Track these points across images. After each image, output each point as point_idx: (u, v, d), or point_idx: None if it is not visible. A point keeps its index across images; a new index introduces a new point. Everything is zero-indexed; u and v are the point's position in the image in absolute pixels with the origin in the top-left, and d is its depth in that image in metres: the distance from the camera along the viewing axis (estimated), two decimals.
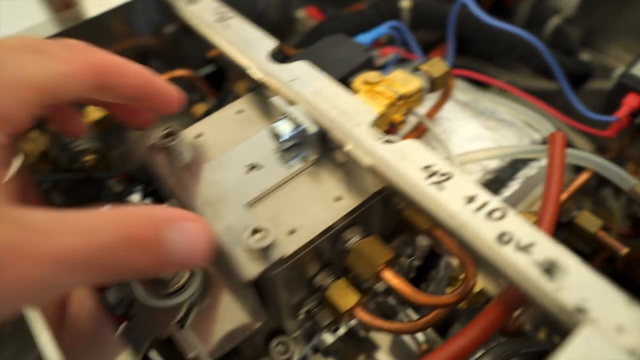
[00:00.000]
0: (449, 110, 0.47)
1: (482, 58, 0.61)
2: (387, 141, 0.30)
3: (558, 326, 0.23)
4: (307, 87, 0.33)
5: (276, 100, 0.32)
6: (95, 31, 0.45)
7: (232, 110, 0.37)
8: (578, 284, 0.23)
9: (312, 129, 0.31)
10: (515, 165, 0.43)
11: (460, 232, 0.26)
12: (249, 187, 0.32)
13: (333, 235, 0.31)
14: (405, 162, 0.28)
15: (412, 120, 0.45)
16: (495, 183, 0.42)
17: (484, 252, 0.25)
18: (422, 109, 0.45)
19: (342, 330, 0.44)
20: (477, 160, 0.41)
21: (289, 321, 0.36)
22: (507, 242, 0.25)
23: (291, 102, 0.33)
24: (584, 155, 0.38)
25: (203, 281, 0.33)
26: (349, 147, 0.30)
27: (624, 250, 0.40)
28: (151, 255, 0.23)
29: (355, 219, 0.31)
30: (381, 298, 0.44)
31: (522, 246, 0.24)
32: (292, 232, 0.29)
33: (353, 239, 0.31)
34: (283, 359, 0.38)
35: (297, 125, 0.32)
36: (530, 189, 0.44)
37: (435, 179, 0.27)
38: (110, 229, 0.22)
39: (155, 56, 0.51)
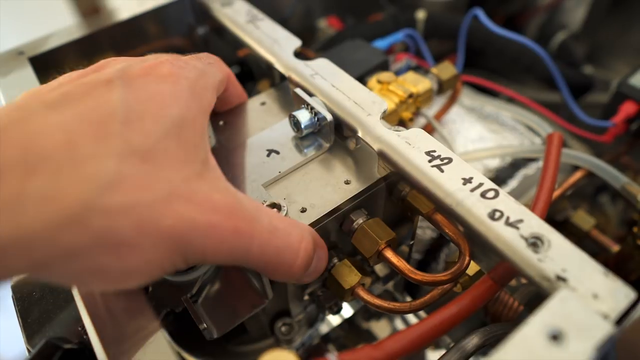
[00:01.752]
0: (455, 113, 0.50)
1: (489, 71, 0.64)
2: (395, 130, 0.33)
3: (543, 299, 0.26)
4: (325, 81, 0.37)
5: (298, 91, 0.36)
6: (128, 32, 0.49)
7: (255, 102, 0.41)
8: (560, 256, 0.26)
9: (328, 117, 0.34)
10: (515, 165, 0.45)
11: (456, 210, 0.29)
12: (267, 169, 0.35)
13: (340, 216, 0.34)
14: (410, 147, 0.31)
15: (420, 121, 0.48)
16: (495, 181, 0.44)
17: (477, 227, 0.28)
18: (431, 111, 0.49)
19: (341, 318, 0.46)
20: (478, 158, 0.44)
21: (294, 302, 0.39)
22: (498, 218, 0.27)
23: (311, 94, 0.37)
24: (579, 154, 0.41)
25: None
26: (360, 133, 0.33)
27: (616, 248, 0.42)
28: (305, 267, 0.29)
29: (361, 202, 0.34)
30: (382, 287, 0.47)
31: (511, 222, 0.27)
32: (303, 210, 0.32)
33: (358, 220, 0.34)
34: (286, 339, 0.40)
35: (315, 114, 0.35)
36: (528, 187, 0.46)
37: (436, 162, 0.30)
38: (296, 236, 0.28)
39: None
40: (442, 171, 0.30)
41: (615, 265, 0.43)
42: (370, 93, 0.36)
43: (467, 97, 0.52)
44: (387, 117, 0.41)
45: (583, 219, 0.44)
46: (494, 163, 0.45)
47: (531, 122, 0.46)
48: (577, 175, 0.42)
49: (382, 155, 0.32)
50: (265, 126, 0.38)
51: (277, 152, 0.36)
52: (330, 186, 0.34)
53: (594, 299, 0.24)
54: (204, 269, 0.35)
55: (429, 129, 0.47)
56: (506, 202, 0.28)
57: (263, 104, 0.40)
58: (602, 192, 0.54)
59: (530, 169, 0.45)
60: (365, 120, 0.34)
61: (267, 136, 0.37)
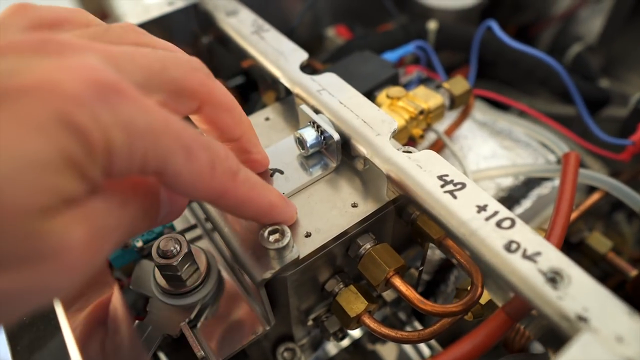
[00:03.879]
0: (467, 128, 0.48)
1: (502, 82, 0.62)
2: (406, 151, 0.32)
3: (560, 338, 0.24)
4: (333, 97, 0.35)
5: (304, 108, 0.34)
6: None
7: (259, 118, 0.39)
8: (581, 293, 0.24)
9: (335, 136, 0.33)
10: (529, 184, 0.44)
11: (469, 240, 0.27)
12: None
13: (347, 241, 0.32)
14: (421, 171, 0.30)
15: (431, 137, 0.46)
16: (508, 201, 0.43)
17: (491, 259, 0.26)
18: (442, 126, 0.47)
19: (347, 342, 0.45)
20: (491, 177, 0.42)
21: (297, 327, 0.37)
22: (514, 250, 0.26)
23: (317, 111, 0.35)
24: (597, 175, 0.39)
25: (217, 283, 0.34)
26: (368, 154, 0.32)
27: (634, 273, 0.40)
28: (150, 220, 0.23)
29: (368, 226, 0.32)
30: (390, 311, 0.45)
31: (528, 255, 0.25)
32: (307, 235, 0.31)
33: (366, 245, 0.32)
34: None
35: (322, 133, 0.34)
36: (542, 207, 0.44)
37: (449, 187, 0.29)
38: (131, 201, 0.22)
39: None
40: (455, 197, 0.28)
41: (633, 289, 0.41)
42: (380, 111, 0.34)
43: (479, 111, 0.51)
44: (398, 133, 0.40)
45: (599, 241, 0.42)
46: (507, 182, 0.43)
47: (546, 139, 0.44)
48: (595, 197, 0.40)
49: (391, 179, 0.30)
50: (269, 143, 0.37)
51: (281, 172, 0.34)
52: (336, 209, 0.32)
53: (617, 343, 0.22)
54: (203, 293, 0.33)
55: (440, 145, 0.45)
56: (523, 233, 0.26)
57: (267, 119, 0.39)
58: (617, 210, 0.52)
59: (545, 188, 0.43)
60: (374, 140, 0.32)
61: (270, 154, 0.36)
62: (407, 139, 0.41)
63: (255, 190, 0.26)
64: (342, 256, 0.33)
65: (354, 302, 0.32)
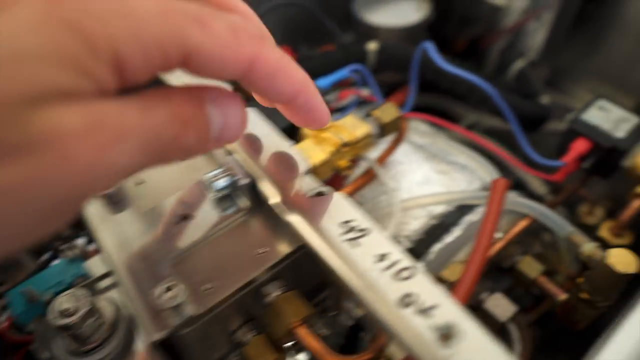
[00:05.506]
0: (403, 153, 0.47)
1: (451, 95, 0.62)
2: (318, 194, 0.31)
3: None
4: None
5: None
6: None
7: None
8: (473, 352, 0.23)
9: (243, 180, 0.32)
10: (462, 209, 0.43)
11: (365, 295, 0.26)
12: (176, 239, 0.32)
13: (253, 290, 0.31)
14: (325, 216, 0.29)
15: (363, 165, 0.45)
16: (438, 229, 0.42)
17: (383, 315, 0.25)
18: (375, 152, 0.46)
19: None
20: (421, 205, 0.42)
21: None
22: (409, 304, 0.25)
23: (229, 152, 0.34)
24: (523, 202, 0.39)
25: (123, 339, 0.33)
26: (273, 200, 0.31)
27: (563, 296, 0.40)
28: (196, 132, 0.22)
29: (277, 273, 0.31)
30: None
31: (423, 309, 0.25)
32: (209, 288, 0.29)
33: (273, 293, 0.31)
34: None
35: (231, 176, 0.33)
36: (474, 234, 0.44)
37: (351, 235, 0.28)
38: (160, 106, 0.20)
39: None
40: (354, 246, 0.27)
41: (562, 313, 0.40)
42: (293, 149, 0.33)
43: (417, 132, 0.50)
44: (320, 167, 0.39)
45: (530, 266, 0.41)
46: (439, 209, 0.43)
47: (477, 163, 0.44)
48: (523, 223, 0.40)
49: (291, 227, 0.29)
50: (185, 185, 0.35)
51: (191, 218, 0.33)
52: (244, 256, 0.31)
53: None
54: (107, 350, 0.32)
55: (372, 172, 0.44)
56: (421, 284, 0.26)
57: None
58: None
59: (476, 215, 0.43)
60: (282, 184, 0.31)
61: (181, 198, 0.34)
62: (333, 171, 0.40)
63: (285, 58, 0.23)
64: (250, 304, 0.32)
65: (262, 355, 0.31)
